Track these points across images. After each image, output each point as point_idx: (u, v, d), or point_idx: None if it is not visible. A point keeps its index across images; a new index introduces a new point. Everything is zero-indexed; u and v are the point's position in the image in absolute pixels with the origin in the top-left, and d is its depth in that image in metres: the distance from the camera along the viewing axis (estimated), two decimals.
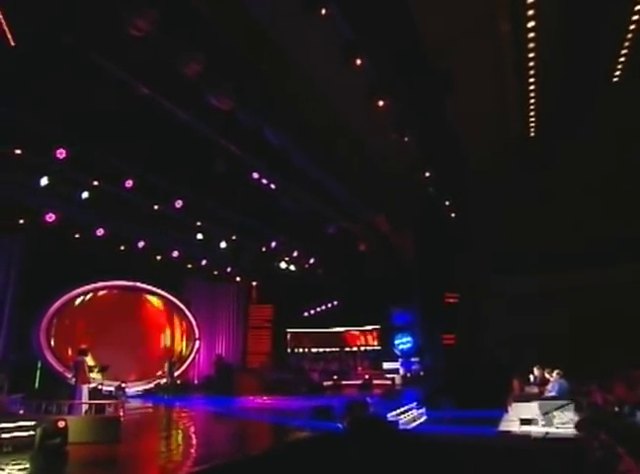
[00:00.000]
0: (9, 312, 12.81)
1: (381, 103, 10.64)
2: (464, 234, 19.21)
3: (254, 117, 11.59)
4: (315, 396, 15.77)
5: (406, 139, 12.23)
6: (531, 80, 12.47)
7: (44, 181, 10.75)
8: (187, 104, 10.99)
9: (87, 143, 10.52)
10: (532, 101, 13.46)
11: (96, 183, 11.69)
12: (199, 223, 15.21)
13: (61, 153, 10.10)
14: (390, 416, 10.57)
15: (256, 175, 13.81)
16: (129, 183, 12.03)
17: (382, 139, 13.13)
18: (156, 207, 13.55)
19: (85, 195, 11.81)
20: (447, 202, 17.18)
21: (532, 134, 15.15)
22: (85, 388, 10.27)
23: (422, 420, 11.71)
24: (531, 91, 12.96)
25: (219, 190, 13.71)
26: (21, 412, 8.34)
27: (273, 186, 14.47)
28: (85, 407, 8.66)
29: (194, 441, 8.99)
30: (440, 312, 19.62)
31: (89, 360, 10.61)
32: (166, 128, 11.43)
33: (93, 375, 10.73)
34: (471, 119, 14.00)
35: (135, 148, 11.33)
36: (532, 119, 14.45)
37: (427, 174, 14.62)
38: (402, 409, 11.72)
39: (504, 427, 9.65)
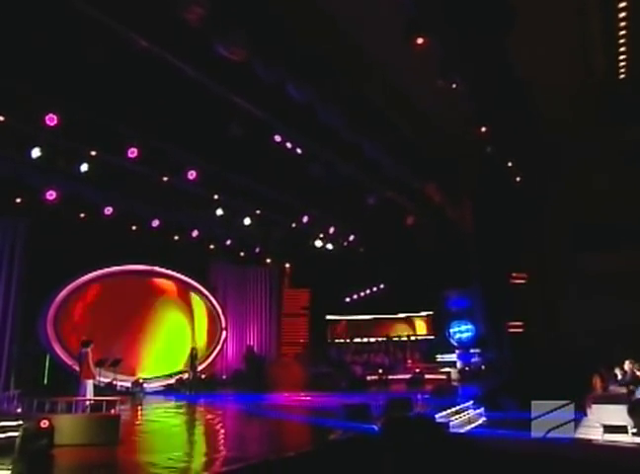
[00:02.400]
0: (14, 300, 13.17)
1: (420, 40, 9.82)
2: (533, 202, 18.11)
3: (273, 68, 11.06)
4: (357, 392, 15.57)
5: (454, 86, 11.35)
6: (622, 5, 11.14)
7: (36, 152, 10.67)
8: (193, 57, 10.61)
9: (80, 107, 10.37)
10: (623, 32, 12.08)
11: (94, 153, 11.60)
12: (216, 197, 15.00)
13: (52, 119, 9.98)
14: (439, 416, 10.17)
15: (278, 138, 13.36)
16: (133, 152, 11.86)
17: (429, 89, 12.34)
18: (165, 179, 13.39)
19: (84, 167, 11.76)
20: (510, 164, 16.12)
21: (622, 76, 13.74)
22: (90, 383, 10.43)
23: (479, 422, 11.26)
24: (622, 20, 11.61)
25: (237, 157, 13.37)
26: (19, 410, 8.48)
27: (299, 150, 14.00)
28: (87, 404, 8.68)
29: (205, 443, 8.93)
30: (505, 295, 18.79)
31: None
32: (171, 88, 11.11)
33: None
34: (540, 60, 12.82)
35: (137, 111, 11.10)
36: (622, 57, 13.05)
37: (483, 129, 13.66)
38: (455, 408, 11.33)
39: (582, 433, 9.10)
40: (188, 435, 10.07)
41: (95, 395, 10.95)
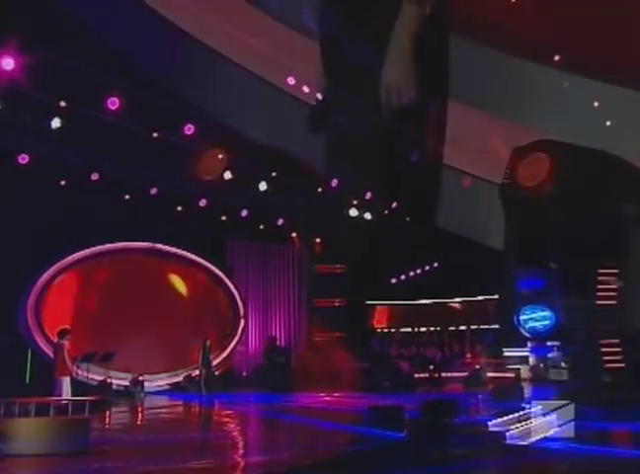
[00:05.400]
0: None
1: None
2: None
3: None
4: (401, 393, 15.24)
5: None
6: None
7: None
8: None
9: (42, 47, 10.16)
10: None
11: (63, 104, 11.45)
12: (220, 156, 14.74)
13: (8, 64, 9.86)
14: (494, 423, 9.84)
15: (292, 80, 12.95)
16: (114, 102, 11.74)
17: None
18: (156, 135, 13.20)
19: (56, 123, 11.69)
20: None
21: None
22: (66, 381, 10.44)
23: (549, 432, 10.64)
24: None
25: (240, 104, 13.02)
26: None
27: (319, 95, 13.58)
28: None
29: (203, 453, 8.72)
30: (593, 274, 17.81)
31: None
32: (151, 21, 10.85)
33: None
34: None
35: (113, 51, 10.89)
36: None
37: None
38: (518, 414, 10.89)
39: None
40: (183, 444, 9.89)
41: (85, 396, 10.98)
